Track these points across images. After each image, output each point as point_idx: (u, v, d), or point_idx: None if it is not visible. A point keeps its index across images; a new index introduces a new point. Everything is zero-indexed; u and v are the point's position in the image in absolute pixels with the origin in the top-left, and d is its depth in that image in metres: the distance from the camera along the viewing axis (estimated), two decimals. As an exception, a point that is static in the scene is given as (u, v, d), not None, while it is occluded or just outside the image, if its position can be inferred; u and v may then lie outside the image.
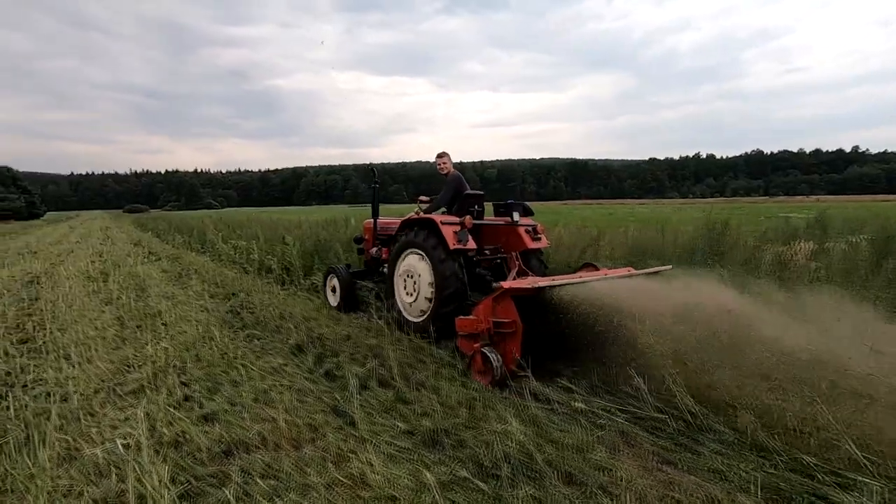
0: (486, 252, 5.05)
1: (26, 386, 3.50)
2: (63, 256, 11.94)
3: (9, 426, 2.84)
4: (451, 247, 4.30)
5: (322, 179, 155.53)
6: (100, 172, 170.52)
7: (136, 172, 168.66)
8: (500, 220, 5.13)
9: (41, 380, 3.60)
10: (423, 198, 5.66)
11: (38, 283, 7.79)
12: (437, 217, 4.62)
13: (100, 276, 8.46)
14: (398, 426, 2.71)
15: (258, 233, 11.89)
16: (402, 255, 4.87)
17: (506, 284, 3.35)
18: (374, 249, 6.00)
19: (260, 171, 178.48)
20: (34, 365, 3.88)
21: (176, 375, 3.60)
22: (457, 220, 4.58)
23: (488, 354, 3.30)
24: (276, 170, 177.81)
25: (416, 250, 4.68)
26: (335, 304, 6.00)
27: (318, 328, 4.83)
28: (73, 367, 3.88)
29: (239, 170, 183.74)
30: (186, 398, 3.24)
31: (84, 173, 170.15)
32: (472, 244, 4.46)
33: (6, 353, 4.15)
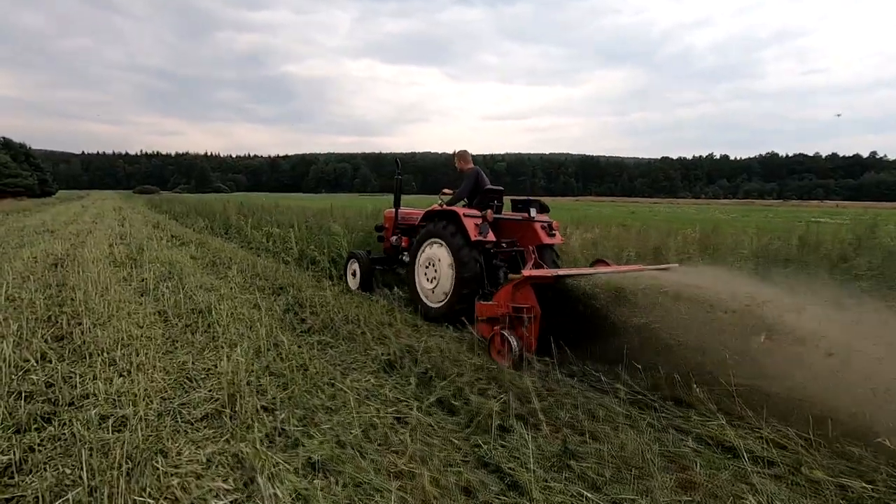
0: (503, 245, 5.23)
1: (73, 404, 2.82)
2: (82, 237, 11.32)
3: (62, 468, 2.17)
4: (473, 238, 4.55)
5: (332, 167, 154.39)
6: (111, 152, 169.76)
7: (146, 154, 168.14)
8: (518, 216, 5.33)
9: (89, 395, 2.93)
10: (446, 190, 5.87)
11: (62, 267, 7.15)
12: (460, 210, 4.85)
13: (127, 261, 7.82)
14: (589, 497, 2.00)
15: (294, 220, 11.14)
16: (425, 244, 5.11)
17: (526, 272, 3.65)
18: (394, 238, 6.14)
19: (270, 156, 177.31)
20: (78, 374, 3.20)
21: (254, 396, 2.92)
22: (478, 213, 4.85)
23: (507, 337, 3.52)
24: (286, 156, 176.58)
25: (438, 240, 4.92)
26: (355, 287, 6.28)
27: (401, 337, 4.12)
28: (123, 376, 3.21)
29: (248, 154, 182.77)
30: (279, 432, 2.56)
31: (95, 153, 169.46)
32: (491, 237, 4.70)
33: (43, 357, 3.48)
